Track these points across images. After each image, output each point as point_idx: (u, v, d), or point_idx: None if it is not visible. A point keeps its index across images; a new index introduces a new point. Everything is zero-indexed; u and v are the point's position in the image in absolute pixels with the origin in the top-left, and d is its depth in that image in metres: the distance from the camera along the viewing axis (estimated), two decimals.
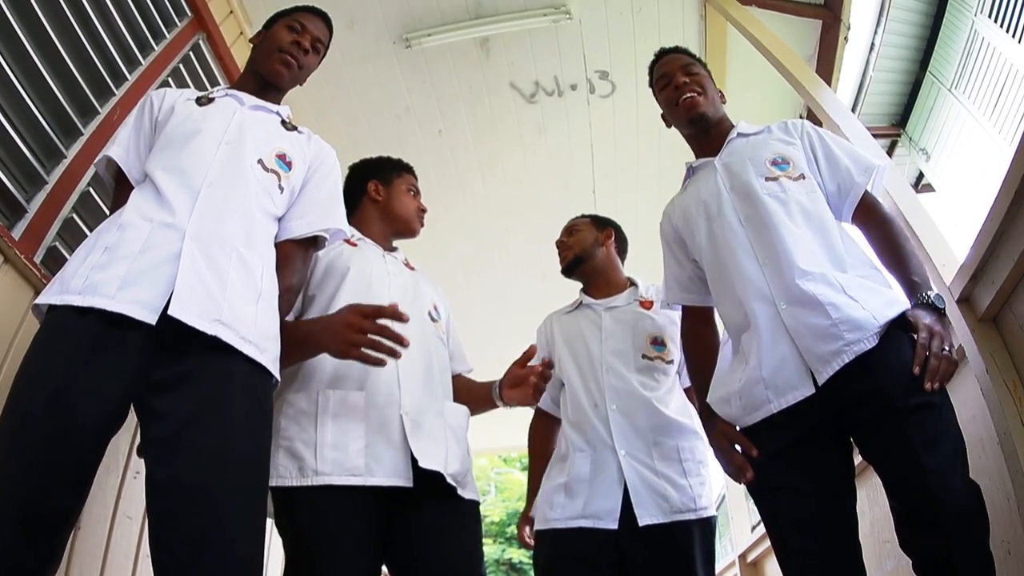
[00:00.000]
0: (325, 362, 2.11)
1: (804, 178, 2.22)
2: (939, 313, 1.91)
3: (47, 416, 1.55)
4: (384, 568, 2.15)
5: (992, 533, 1.72)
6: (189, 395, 1.68)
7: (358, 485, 2.02)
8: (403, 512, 2.11)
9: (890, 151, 8.05)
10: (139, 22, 3.16)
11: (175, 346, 1.70)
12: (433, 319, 2.48)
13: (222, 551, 1.56)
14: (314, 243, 2.22)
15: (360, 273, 2.34)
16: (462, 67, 4.88)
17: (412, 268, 2.60)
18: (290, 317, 2.23)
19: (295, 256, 2.14)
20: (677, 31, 4.75)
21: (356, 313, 1.94)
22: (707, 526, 2.62)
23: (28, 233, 2.38)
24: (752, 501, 5.51)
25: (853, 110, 7.20)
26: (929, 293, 1.94)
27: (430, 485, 2.10)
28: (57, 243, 2.49)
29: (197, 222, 1.84)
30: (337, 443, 2.04)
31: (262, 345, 1.82)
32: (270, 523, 2.02)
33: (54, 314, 1.70)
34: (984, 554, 1.69)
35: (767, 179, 2.21)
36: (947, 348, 1.83)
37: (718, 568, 3.56)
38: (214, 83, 3.66)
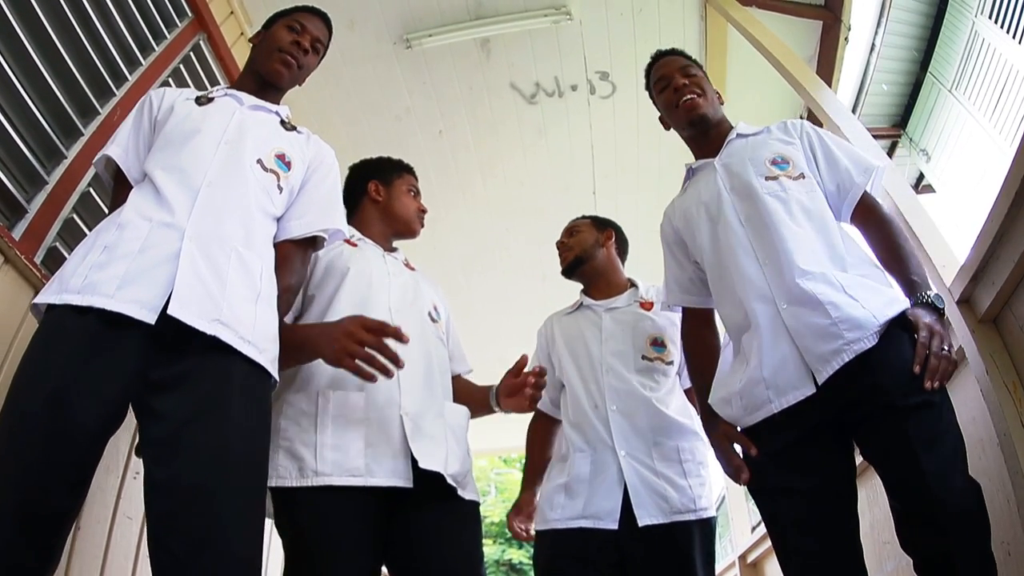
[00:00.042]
0: (325, 363, 2.11)
1: (804, 177, 2.22)
2: (939, 313, 1.91)
3: (46, 416, 1.54)
4: (384, 569, 2.15)
5: (992, 534, 1.72)
6: (188, 395, 1.68)
7: (358, 486, 2.02)
8: (403, 513, 2.11)
9: (890, 152, 8.06)
10: (140, 22, 3.16)
11: (174, 346, 1.70)
12: (433, 319, 2.48)
13: (221, 551, 1.56)
14: (313, 243, 2.22)
15: (360, 273, 2.34)
16: (462, 68, 4.88)
17: (412, 268, 2.60)
18: (289, 317, 2.24)
19: (294, 256, 2.14)
20: (677, 32, 4.75)
21: (359, 325, 1.93)
22: (707, 527, 2.62)
23: (28, 233, 2.38)
24: (752, 502, 5.52)
25: (853, 111, 7.20)
26: (929, 293, 1.94)
27: (430, 486, 2.10)
28: (57, 243, 2.49)
29: (196, 222, 1.84)
30: (337, 444, 2.04)
31: (261, 345, 1.82)
32: (269, 523, 2.02)
33: (53, 313, 1.70)
34: (985, 555, 1.69)
35: (767, 178, 2.21)
36: (947, 348, 1.83)
37: (718, 569, 3.56)
38: (215, 84, 3.66)
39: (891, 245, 2.11)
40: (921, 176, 8.29)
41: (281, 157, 2.15)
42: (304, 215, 2.17)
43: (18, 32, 2.39)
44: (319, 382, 2.13)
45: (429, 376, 2.32)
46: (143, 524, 2.63)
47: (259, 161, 2.08)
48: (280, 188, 2.11)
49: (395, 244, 2.67)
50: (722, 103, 2.58)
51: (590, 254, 3.08)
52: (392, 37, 4.62)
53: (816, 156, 2.30)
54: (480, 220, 6.00)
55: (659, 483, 2.58)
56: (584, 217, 3.26)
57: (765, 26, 4.10)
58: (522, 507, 2.99)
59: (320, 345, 1.97)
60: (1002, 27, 6.48)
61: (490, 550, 18.40)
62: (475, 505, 2.29)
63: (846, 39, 4.60)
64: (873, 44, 7.23)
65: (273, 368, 1.86)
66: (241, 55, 3.98)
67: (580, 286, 3.15)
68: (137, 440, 1.72)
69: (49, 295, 1.71)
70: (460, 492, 2.17)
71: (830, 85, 4.60)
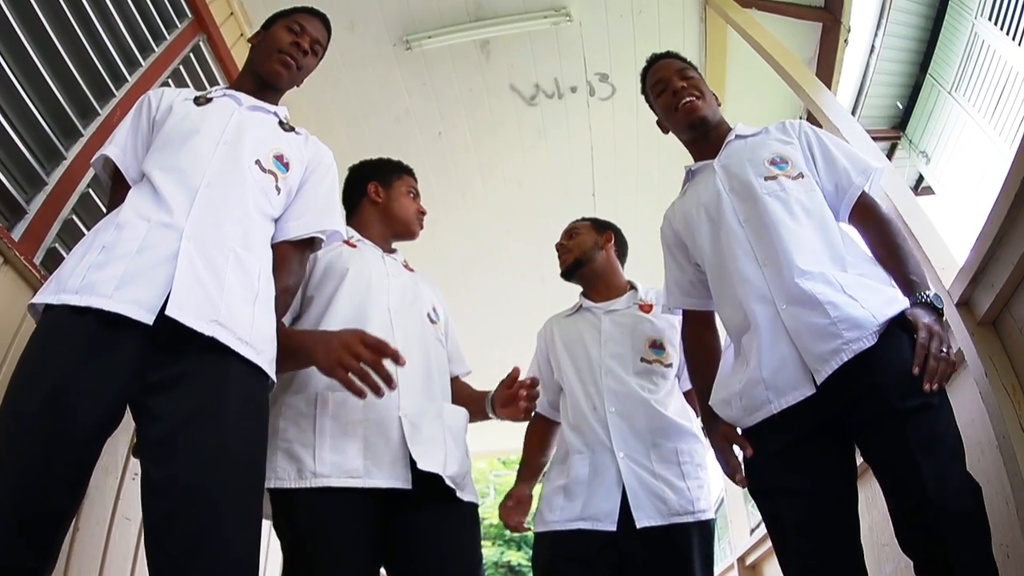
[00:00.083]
0: (318, 371, 2.11)
1: (803, 177, 2.22)
2: (938, 313, 1.91)
3: (43, 416, 1.54)
4: (383, 570, 2.15)
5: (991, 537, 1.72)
6: (185, 396, 1.67)
7: (357, 487, 2.02)
8: (402, 514, 2.11)
9: (890, 154, 8.06)
10: (139, 23, 3.16)
11: (171, 346, 1.70)
12: (432, 321, 2.48)
13: (218, 552, 1.56)
14: (310, 244, 2.22)
15: (359, 274, 2.34)
16: (462, 69, 4.88)
17: (411, 270, 2.60)
18: (287, 317, 2.24)
19: (292, 257, 2.13)
20: (677, 34, 4.75)
21: (358, 339, 1.92)
22: (705, 529, 2.62)
23: (28, 234, 2.38)
24: (751, 504, 5.52)
25: (853, 113, 7.21)
26: (928, 292, 1.94)
27: (429, 487, 2.09)
28: (57, 244, 2.49)
29: (195, 222, 1.84)
30: (336, 445, 2.04)
31: (259, 346, 1.82)
32: (267, 524, 2.01)
33: (51, 313, 1.70)
34: (985, 558, 1.68)
35: (766, 178, 2.21)
36: (945, 349, 1.83)
37: (717, 571, 3.57)
38: (214, 85, 3.65)
39: (889, 244, 2.11)
40: (921, 178, 8.29)
41: (279, 158, 2.15)
42: (302, 216, 2.17)
43: (18, 33, 2.39)
44: (318, 383, 2.12)
45: (428, 378, 2.32)
46: (141, 525, 2.63)
47: (257, 162, 2.08)
48: (278, 189, 2.11)
49: (394, 245, 2.67)
50: (719, 104, 2.57)
51: (589, 256, 3.08)
52: (392, 38, 4.62)
53: (814, 155, 2.30)
54: (479, 222, 6.00)
55: (657, 485, 2.58)
56: (584, 219, 3.26)
57: (765, 28, 4.10)
58: (512, 495, 2.95)
59: (316, 352, 1.96)
60: (1002, 29, 6.48)
61: (489, 551, 18.40)
62: (474, 507, 2.29)
63: (846, 41, 4.60)
64: (873, 46, 7.23)
65: (271, 369, 1.86)
66: (241, 56, 3.97)
67: (579, 288, 3.15)
68: (135, 441, 1.71)
69: (47, 295, 1.71)
70: (459, 494, 2.17)
71: (830, 87, 4.60)
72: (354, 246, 2.47)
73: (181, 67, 3.50)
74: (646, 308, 2.93)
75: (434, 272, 2.98)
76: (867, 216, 2.20)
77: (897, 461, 1.77)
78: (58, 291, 1.69)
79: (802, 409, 1.92)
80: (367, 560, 2.05)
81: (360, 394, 1.89)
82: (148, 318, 1.66)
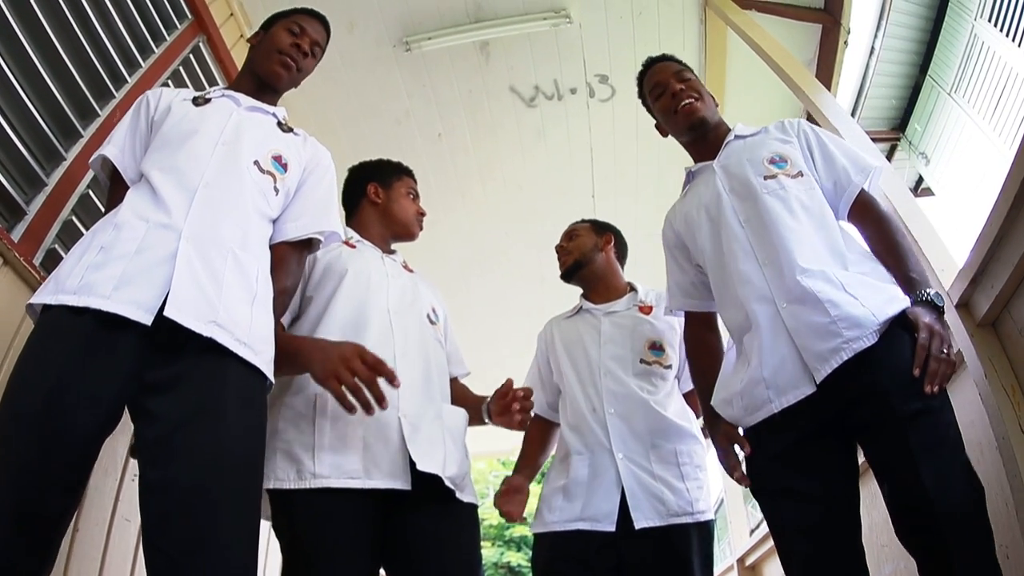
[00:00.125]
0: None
1: (802, 175, 2.21)
2: (938, 311, 1.90)
3: (41, 417, 1.54)
4: (382, 571, 2.15)
5: None
6: (183, 397, 1.67)
7: (356, 488, 2.02)
8: (401, 515, 2.11)
9: (889, 155, 8.06)
10: (139, 24, 3.16)
11: (170, 347, 1.70)
12: (432, 322, 2.48)
13: (215, 553, 1.56)
14: (308, 245, 2.22)
15: (358, 275, 2.34)
16: (462, 71, 4.89)
17: (411, 271, 2.60)
18: (286, 318, 2.24)
19: (290, 258, 2.14)
20: (677, 35, 4.75)
21: (357, 354, 1.91)
22: (705, 530, 2.62)
23: (27, 235, 2.38)
24: (750, 505, 5.52)
25: (853, 114, 7.21)
26: (928, 291, 1.93)
27: (428, 488, 2.09)
28: (56, 245, 2.49)
29: (193, 223, 1.84)
30: (335, 446, 2.04)
31: (257, 347, 1.81)
32: (267, 525, 2.01)
33: (49, 314, 1.70)
34: (987, 559, 1.68)
35: (766, 177, 2.20)
36: (946, 350, 1.82)
37: (717, 571, 3.56)
38: (214, 86, 3.66)
39: (888, 242, 2.10)
40: (920, 179, 8.29)
41: (278, 159, 2.15)
42: (300, 217, 2.17)
43: (18, 34, 2.39)
44: (317, 385, 2.12)
45: (427, 378, 2.32)
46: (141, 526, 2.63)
47: (256, 162, 2.08)
48: (276, 190, 2.11)
49: (394, 247, 2.67)
50: (717, 105, 2.57)
51: (589, 258, 3.08)
52: (391, 40, 4.62)
53: (813, 154, 2.29)
54: (479, 223, 6.01)
55: (656, 486, 2.58)
56: (583, 221, 3.26)
57: (764, 29, 4.10)
58: (508, 482, 2.88)
59: (313, 360, 1.95)
60: (1001, 30, 6.48)
61: (488, 552, 18.39)
62: (473, 507, 2.29)
63: (845, 42, 4.61)
64: (873, 47, 7.23)
65: (269, 370, 1.86)
66: (241, 57, 3.96)
67: (579, 289, 3.15)
68: (132, 441, 1.71)
69: (45, 295, 1.71)
70: (458, 495, 2.17)
71: (829, 89, 4.60)
72: (353, 247, 2.47)
73: (181, 68, 3.50)
74: (646, 310, 2.93)
75: (433, 273, 2.98)
76: (866, 214, 2.20)
77: (898, 463, 1.76)
78: (56, 291, 1.69)
79: (803, 408, 1.92)
80: (366, 561, 2.05)
81: (350, 409, 1.87)
82: (146, 319, 1.66)
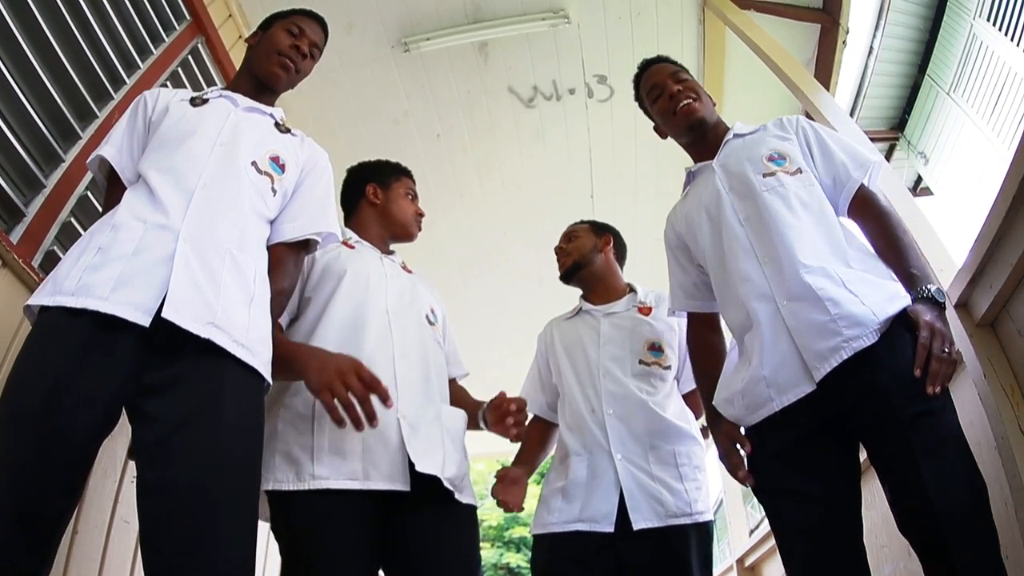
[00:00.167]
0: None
1: (801, 172, 2.20)
2: (940, 308, 1.90)
3: (39, 418, 1.54)
4: (381, 572, 2.15)
5: None
6: (181, 398, 1.67)
7: (355, 489, 2.01)
8: (400, 516, 2.11)
9: (888, 155, 8.06)
10: (138, 26, 3.16)
11: (168, 348, 1.69)
12: (430, 322, 2.48)
13: (214, 554, 1.56)
14: (306, 246, 2.22)
15: (357, 275, 2.34)
16: (460, 71, 4.88)
17: (409, 271, 2.60)
18: (285, 319, 2.24)
19: (287, 259, 2.13)
20: (675, 35, 4.75)
21: (353, 369, 1.90)
22: (704, 531, 2.62)
23: (26, 237, 2.38)
24: (750, 505, 5.52)
25: (852, 114, 7.22)
26: (929, 287, 1.92)
27: (427, 489, 2.09)
28: (55, 247, 2.49)
29: (191, 224, 1.84)
30: (334, 447, 2.03)
31: (254, 349, 1.81)
32: (265, 527, 2.01)
33: (46, 315, 1.69)
34: (989, 561, 1.67)
35: (764, 175, 2.20)
36: (948, 349, 1.81)
37: (716, 572, 3.56)
38: (212, 86, 3.66)
39: (888, 237, 2.09)
40: (919, 179, 8.29)
41: (275, 159, 2.15)
42: (297, 218, 2.17)
43: (16, 35, 2.39)
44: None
45: (426, 379, 2.31)
46: None
47: (253, 163, 2.08)
48: (274, 191, 2.11)
49: (392, 247, 2.67)
50: (714, 104, 2.57)
51: (588, 259, 3.08)
52: (390, 41, 4.62)
53: (812, 150, 2.29)
54: (477, 223, 6.00)
55: (655, 487, 2.58)
56: (582, 222, 3.26)
57: (763, 29, 4.10)
58: (506, 471, 2.87)
59: (309, 369, 1.94)
60: (1000, 30, 6.48)
61: (488, 553, 18.39)
62: (472, 509, 2.28)
63: (844, 42, 4.61)
64: (871, 47, 7.23)
65: (266, 371, 1.86)
66: (239, 58, 3.96)
67: (578, 290, 3.15)
68: (130, 443, 1.71)
69: (43, 297, 1.71)
70: (457, 496, 2.16)
71: (828, 88, 4.61)
72: (352, 247, 2.47)
73: (179, 69, 3.50)
74: (645, 311, 2.93)
75: (432, 274, 2.98)
76: (866, 209, 2.18)
77: (899, 465, 1.76)
78: (54, 293, 1.69)
79: (803, 407, 1.91)
80: (366, 562, 2.05)
81: (340, 423, 1.86)
82: (144, 320, 1.66)
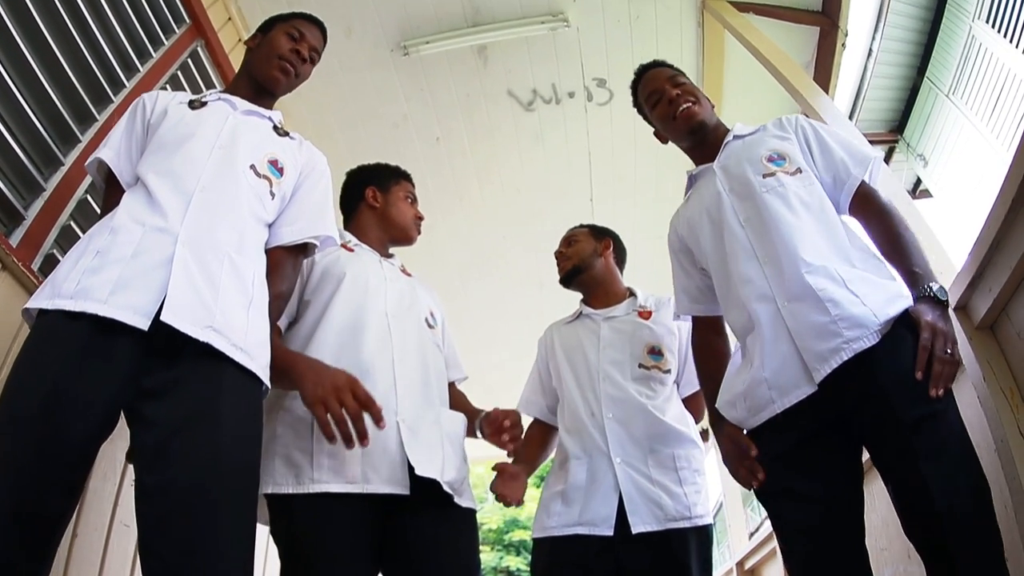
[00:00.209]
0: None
1: (801, 172, 2.19)
2: (942, 306, 1.88)
3: (37, 421, 1.54)
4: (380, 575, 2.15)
5: None
6: (179, 402, 1.67)
7: (355, 493, 2.01)
8: (400, 519, 2.11)
9: (887, 157, 8.06)
10: (137, 29, 3.16)
11: (166, 352, 1.69)
12: (430, 325, 2.48)
13: (212, 556, 1.55)
14: (304, 250, 2.21)
15: (356, 278, 2.34)
16: (460, 75, 4.89)
17: (409, 275, 2.60)
18: (283, 321, 2.24)
19: (285, 263, 2.13)
20: (675, 38, 4.76)
21: (350, 387, 1.89)
22: (703, 534, 2.62)
23: (26, 240, 2.38)
24: (750, 508, 5.52)
25: (851, 116, 7.22)
26: (931, 285, 1.90)
27: (427, 493, 2.09)
28: (55, 250, 2.49)
29: (190, 227, 1.83)
30: (334, 451, 2.03)
31: (253, 352, 1.81)
32: (265, 530, 2.01)
33: (45, 318, 1.69)
34: (992, 563, 1.67)
35: (764, 176, 2.19)
36: (950, 348, 1.79)
37: (716, 575, 3.56)
38: (211, 90, 3.66)
39: (890, 235, 2.07)
40: (918, 181, 8.30)
41: (274, 163, 2.14)
42: (295, 222, 2.16)
43: (16, 38, 2.39)
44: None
45: (426, 382, 2.31)
46: None
47: (252, 166, 2.08)
48: (272, 194, 2.11)
49: (392, 251, 2.67)
50: (713, 106, 2.56)
51: (588, 263, 3.08)
52: (389, 44, 4.62)
53: (811, 149, 2.28)
54: (477, 227, 6.01)
55: (654, 490, 2.58)
56: (582, 226, 3.26)
57: (762, 32, 4.11)
58: (505, 467, 2.77)
59: (305, 380, 1.92)
60: (999, 31, 6.48)
61: (488, 557, 18.39)
62: (472, 513, 2.28)
63: (843, 45, 4.61)
64: (870, 49, 7.24)
65: (264, 375, 1.85)
66: (239, 61, 3.97)
67: (578, 294, 3.16)
68: (129, 446, 1.71)
69: (41, 300, 1.71)
70: (456, 499, 2.16)
71: (827, 91, 4.60)
72: (351, 250, 2.47)
73: (179, 73, 3.50)
74: (645, 314, 2.93)
75: (431, 277, 2.98)
76: (867, 207, 2.17)
77: (902, 468, 1.74)
78: (53, 296, 1.69)
79: (805, 409, 1.91)
80: (365, 566, 2.04)
81: (331, 439, 1.85)
82: (143, 323, 1.66)
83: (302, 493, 1.99)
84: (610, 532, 2.53)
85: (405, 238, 2.68)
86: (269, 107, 2.33)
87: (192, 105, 2.16)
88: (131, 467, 2.52)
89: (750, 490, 2.12)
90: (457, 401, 2.56)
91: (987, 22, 6.62)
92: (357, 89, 4.89)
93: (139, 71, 3.15)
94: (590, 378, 2.83)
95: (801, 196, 2.14)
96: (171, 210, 1.85)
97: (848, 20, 4.55)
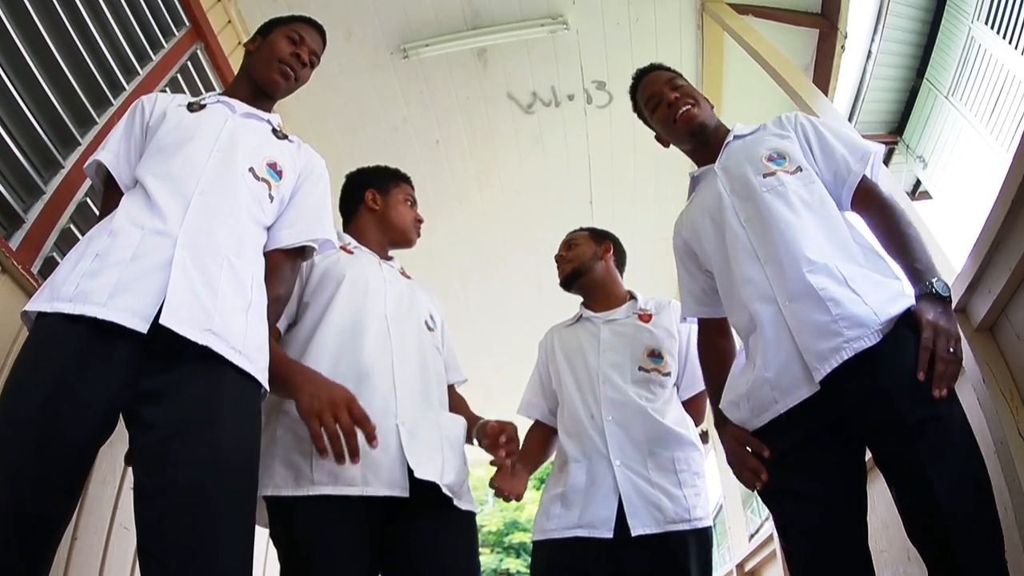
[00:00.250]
0: (320, 370, 2.07)
1: (801, 170, 2.18)
2: (944, 303, 1.87)
3: (36, 424, 1.54)
4: None
5: None
6: (178, 405, 1.67)
7: (354, 495, 2.01)
8: (399, 522, 2.11)
9: (887, 159, 8.07)
10: (137, 32, 3.17)
11: (165, 355, 1.69)
12: (429, 328, 2.48)
13: (211, 560, 1.55)
14: (302, 253, 2.21)
15: (356, 280, 2.34)
16: (459, 77, 4.89)
17: (408, 277, 2.60)
18: (283, 323, 2.24)
19: (283, 266, 2.13)
20: (674, 41, 4.76)
21: (347, 404, 1.89)
22: (703, 537, 2.62)
23: (25, 243, 2.38)
24: (750, 510, 5.52)
25: (850, 118, 7.23)
26: (933, 281, 1.88)
27: (426, 495, 2.09)
28: (54, 253, 2.49)
29: (188, 230, 1.83)
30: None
31: (252, 355, 1.81)
32: (265, 533, 2.01)
33: (44, 321, 1.69)
34: (994, 564, 1.67)
35: (764, 175, 2.18)
36: (953, 346, 1.78)
37: None
38: (210, 92, 3.66)
39: (893, 231, 2.06)
40: (918, 183, 8.31)
41: (273, 166, 2.14)
42: (294, 225, 2.16)
43: (15, 41, 2.39)
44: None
45: (425, 385, 2.31)
46: None
47: (251, 170, 2.08)
48: (271, 197, 2.10)
49: (391, 253, 2.67)
50: (712, 107, 2.56)
51: (588, 267, 3.08)
52: (389, 47, 4.63)
53: (811, 146, 2.27)
54: (476, 229, 6.01)
55: (654, 493, 2.58)
56: (582, 229, 3.26)
57: (761, 35, 4.11)
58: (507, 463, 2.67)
59: (302, 392, 1.92)
60: (999, 33, 6.50)
61: (488, 559, 18.40)
62: (471, 515, 2.28)
63: (842, 47, 4.61)
64: (870, 51, 7.26)
65: (263, 377, 1.85)
66: (239, 64, 3.97)
67: (577, 297, 3.16)
68: (127, 449, 1.71)
69: (40, 303, 1.70)
70: (456, 502, 2.16)
71: (826, 93, 4.61)
72: (351, 252, 2.47)
73: (179, 75, 3.50)
74: (645, 317, 2.94)
75: (431, 280, 2.98)
76: (869, 202, 2.16)
77: (906, 470, 1.73)
78: (51, 299, 1.69)
79: (807, 409, 1.90)
80: (364, 568, 2.04)
81: (322, 452, 1.85)
82: (142, 327, 1.66)
83: (301, 495, 1.99)
84: (610, 534, 2.53)
85: (405, 241, 2.68)
86: (268, 110, 2.33)
87: (191, 108, 2.16)
88: (130, 470, 2.53)
89: (753, 491, 2.12)
90: (456, 404, 2.56)
91: (986, 23, 6.63)
92: (357, 92, 4.89)
93: (139, 74, 3.15)
94: (590, 381, 2.83)
95: (801, 195, 2.13)
96: (170, 213, 1.84)
97: (847, 22, 4.55)
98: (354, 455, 1.86)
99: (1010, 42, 6.37)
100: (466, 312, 6.38)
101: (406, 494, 2.06)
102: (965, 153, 7.29)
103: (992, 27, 6.56)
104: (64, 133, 2.64)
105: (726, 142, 2.40)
